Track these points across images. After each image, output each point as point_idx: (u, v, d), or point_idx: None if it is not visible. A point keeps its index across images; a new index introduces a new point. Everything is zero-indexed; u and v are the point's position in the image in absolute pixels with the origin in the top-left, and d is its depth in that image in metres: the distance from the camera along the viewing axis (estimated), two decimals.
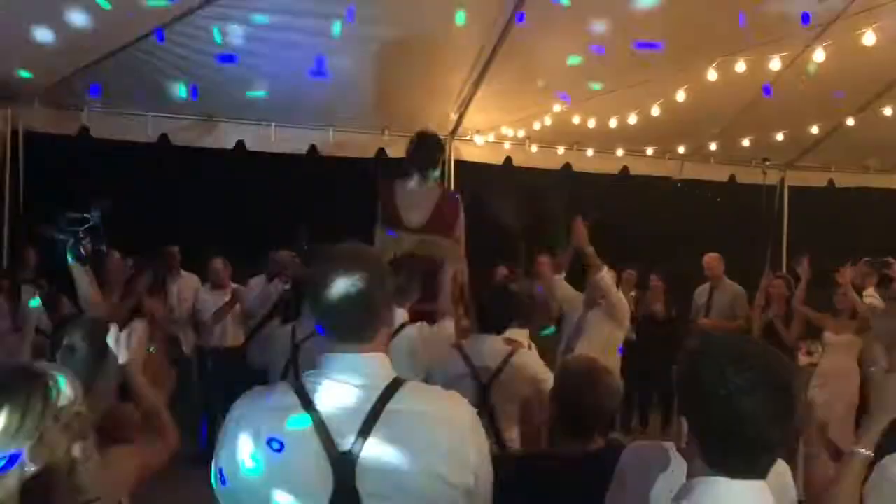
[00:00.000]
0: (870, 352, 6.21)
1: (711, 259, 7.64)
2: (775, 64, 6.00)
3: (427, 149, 4.48)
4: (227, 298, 6.91)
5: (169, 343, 6.50)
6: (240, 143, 7.06)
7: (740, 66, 5.97)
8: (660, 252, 8.88)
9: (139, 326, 2.48)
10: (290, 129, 7.20)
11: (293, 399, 1.72)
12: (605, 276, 5.17)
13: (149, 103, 6.61)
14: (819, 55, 5.76)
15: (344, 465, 1.66)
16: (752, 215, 8.59)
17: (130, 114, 6.70)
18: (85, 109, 6.51)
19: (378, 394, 1.71)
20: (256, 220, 8.35)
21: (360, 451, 1.66)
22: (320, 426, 1.68)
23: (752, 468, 1.46)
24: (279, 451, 1.68)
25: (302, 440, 1.67)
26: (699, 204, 9.62)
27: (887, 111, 7.31)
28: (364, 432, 1.67)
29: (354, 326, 1.76)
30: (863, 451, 1.95)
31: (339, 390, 1.72)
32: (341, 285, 1.73)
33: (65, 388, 1.75)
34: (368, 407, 1.69)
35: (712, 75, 6.10)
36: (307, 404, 1.70)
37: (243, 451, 1.71)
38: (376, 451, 1.67)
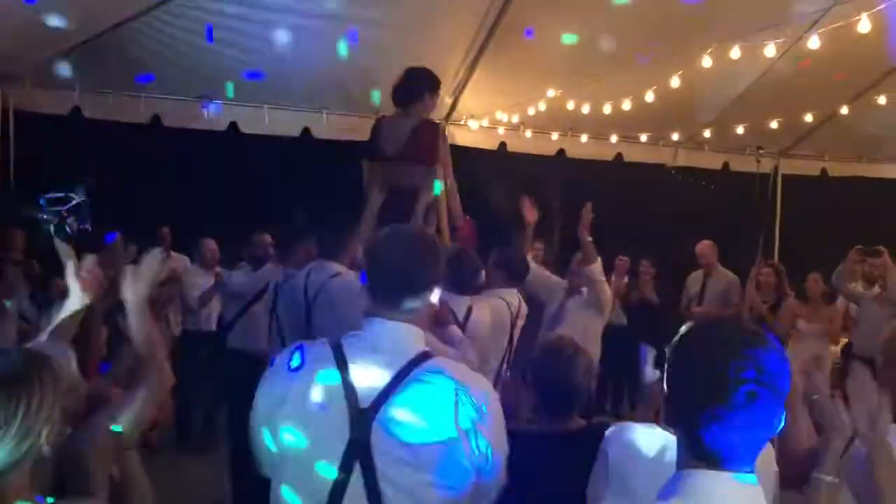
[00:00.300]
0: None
1: (705, 247, 7.66)
2: (770, 51, 5.98)
3: (405, 80, 4.53)
4: (213, 281, 6.90)
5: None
6: (232, 125, 7.02)
7: (735, 53, 5.95)
8: (652, 239, 8.89)
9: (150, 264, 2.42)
10: (283, 111, 7.17)
11: (330, 353, 1.88)
12: (598, 267, 5.20)
13: (141, 84, 6.56)
14: (814, 42, 5.74)
15: (361, 422, 1.79)
16: (745, 203, 8.60)
17: (123, 94, 6.67)
18: (77, 89, 6.46)
19: (405, 361, 1.84)
20: (249, 201, 8.32)
21: (377, 411, 1.79)
22: (347, 382, 1.82)
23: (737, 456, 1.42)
24: (307, 399, 1.84)
25: (328, 393, 1.82)
26: (693, 191, 9.61)
27: (881, 100, 7.31)
28: (385, 394, 1.80)
29: (399, 295, 1.90)
30: (827, 477, 1.93)
31: (371, 353, 1.86)
32: (398, 255, 1.92)
33: (66, 368, 1.78)
34: (393, 372, 1.82)
35: (707, 62, 6.08)
36: (340, 360, 1.85)
37: (278, 395, 1.88)
38: (393, 414, 1.79)
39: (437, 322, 3.66)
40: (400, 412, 1.79)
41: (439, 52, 6.64)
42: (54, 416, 1.68)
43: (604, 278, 5.35)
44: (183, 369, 3.07)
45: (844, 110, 7.72)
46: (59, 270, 2.63)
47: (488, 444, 1.82)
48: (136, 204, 7.48)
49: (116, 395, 2.33)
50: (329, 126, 7.34)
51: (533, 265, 5.29)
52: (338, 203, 4.74)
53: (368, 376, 1.83)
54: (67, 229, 3.41)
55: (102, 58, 6.02)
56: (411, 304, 1.90)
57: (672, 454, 1.79)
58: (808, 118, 7.98)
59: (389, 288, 1.91)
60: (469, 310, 4.02)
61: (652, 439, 2.23)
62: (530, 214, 5.11)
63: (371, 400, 1.80)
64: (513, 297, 4.50)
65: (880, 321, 5.70)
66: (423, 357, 1.87)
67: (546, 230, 6.15)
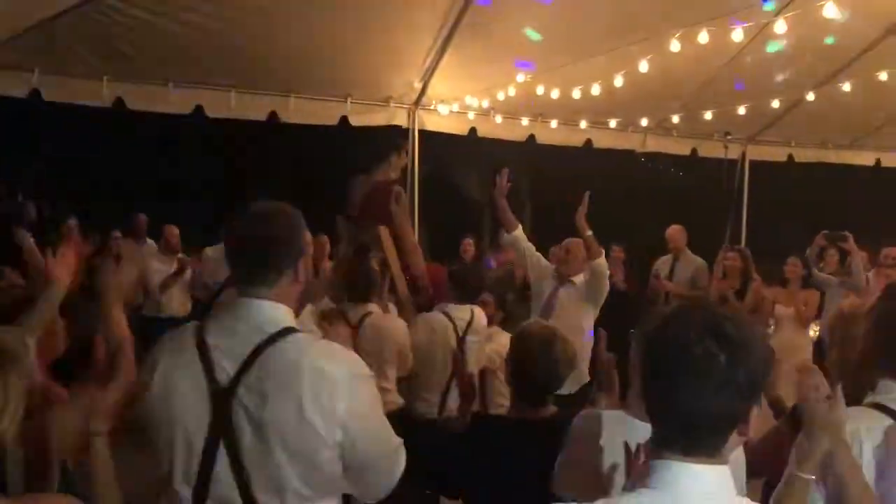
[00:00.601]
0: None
1: (675, 231, 7.72)
2: (738, 35, 6.00)
3: (376, 144, 4.95)
4: (175, 267, 6.82)
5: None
6: (198, 108, 6.90)
7: (703, 37, 5.96)
8: (622, 224, 8.93)
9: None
10: (249, 94, 7.06)
11: (191, 336, 1.89)
12: (604, 260, 5.26)
13: (104, 66, 6.42)
14: (781, 26, 5.77)
15: (221, 400, 1.80)
16: (713, 189, 8.66)
17: (84, 77, 6.51)
18: (36, 71, 6.28)
19: (264, 338, 1.83)
20: (214, 186, 8.22)
21: (236, 388, 1.80)
22: (207, 363, 1.83)
23: (697, 444, 1.40)
24: (171, 382, 1.87)
25: (188, 374, 1.84)
26: (661, 177, 9.67)
27: (846, 87, 7.38)
28: (242, 372, 1.80)
29: (259, 272, 1.89)
30: (805, 475, 1.90)
31: (232, 331, 1.86)
32: (245, 231, 1.91)
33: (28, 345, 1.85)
34: (250, 349, 1.82)
35: (675, 46, 6.08)
36: (200, 341, 1.86)
37: (156, 379, 1.90)
38: (251, 390, 1.79)
39: None
40: (257, 389, 1.79)
41: (409, 36, 6.60)
42: (17, 403, 1.70)
43: (608, 271, 5.40)
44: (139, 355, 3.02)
45: (810, 97, 7.79)
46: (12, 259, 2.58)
47: (343, 419, 1.81)
48: (100, 189, 7.35)
49: (60, 394, 2.31)
50: (297, 110, 7.25)
51: (527, 244, 5.34)
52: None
53: (228, 355, 1.84)
54: (25, 217, 3.32)
55: (62, 39, 5.88)
56: (273, 280, 1.89)
57: (637, 439, 1.78)
58: (775, 104, 8.04)
59: (249, 265, 1.90)
60: (363, 317, 4.36)
61: (617, 425, 2.22)
62: (501, 189, 5.09)
63: (230, 379, 1.81)
64: (463, 312, 4.56)
65: None
66: (284, 333, 1.85)
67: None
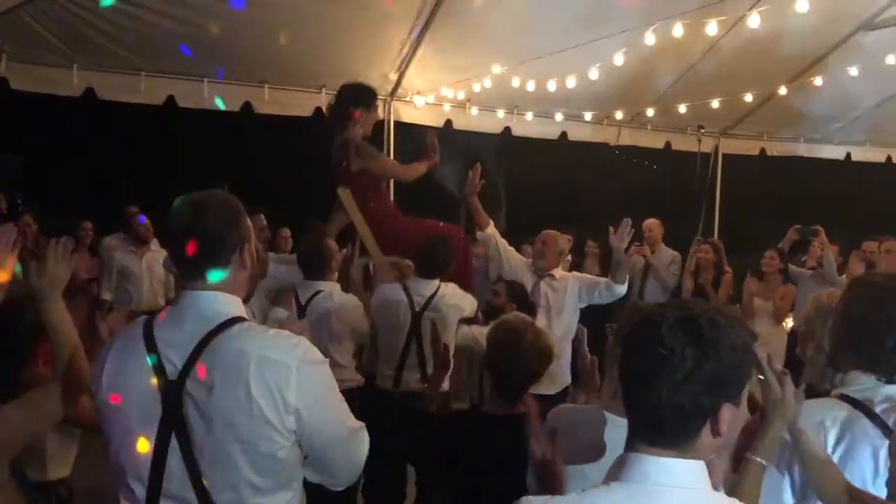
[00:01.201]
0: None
1: (653, 223, 7.75)
2: (712, 28, 6.04)
3: (335, 100, 4.71)
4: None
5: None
6: (170, 99, 6.80)
7: (678, 30, 5.98)
8: (597, 218, 8.97)
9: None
10: (222, 85, 6.98)
11: (139, 331, 1.87)
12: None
13: (74, 54, 6.30)
14: (754, 20, 5.81)
15: (171, 393, 1.78)
16: (686, 182, 8.72)
17: (54, 65, 6.39)
18: (3, 59, 6.15)
19: (209, 329, 1.81)
20: (188, 178, 8.13)
21: (185, 380, 1.78)
22: (156, 357, 1.80)
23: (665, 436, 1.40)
24: (120, 378, 1.85)
25: (137, 369, 1.82)
26: (636, 170, 9.72)
27: (818, 81, 7.46)
28: (189, 364, 1.78)
29: (200, 264, 1.86)
30: (759, 459, 1.91)
31: (178, 324, 1.84)
32: (181, 224, 1.87)
33: None
34: (197, 340, 1.80)
35: (650, 39, 6.10)
36: (148, 334, 1.84)
37: (105, 377, 1.88)
38: (200, 382, 1.77)
39: None
40: (204, 380, 1.78)
41: (384, 27, 6.56)
42: None
43: None
44: None
45: (783, 91, 7.86)
46: None
47: (296, 407, 1.79)
48: (69, 180, 7.24)
49: None
50: (271, 101, 7.18)
51: (500, 240, 5.27)
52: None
53: (176, 348, 1.81)
54: None
55: (31, 27, 5.76)
56: (215, 271, 1.87)
57: (611, 435, 1.78)
58: (748, 98, 8.11)
59: (191, 258, 1.87)
60: (312, 296, 4.36)
61: (591, 421, 2.23)
62: (472, 186, 5.03)
63: (178, 372, 1.79)
64: (426, 287, 4.49)
65: None
66: (229, 324, 1.83)
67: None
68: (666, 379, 1.37)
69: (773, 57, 7.14)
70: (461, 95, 7.85)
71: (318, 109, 7.29)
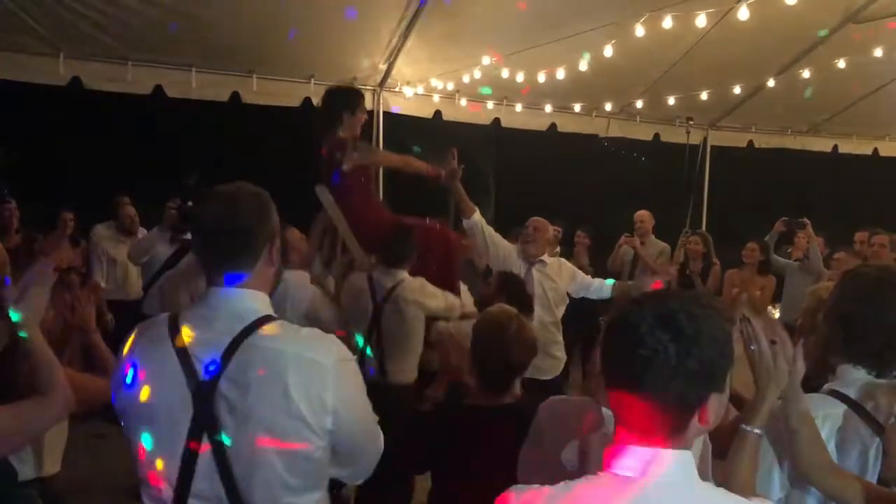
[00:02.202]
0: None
1: (644, 215, 7.80)
2: (701, 20, 6.05)
3: (322, 106, 4.60)
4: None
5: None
6: (158, 88, 6.75)
7: (667, 23, 5.99)
8: (586, 208, 9.00)
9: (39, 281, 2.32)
10: (210, 74, 6.93)
11: (165, 330, 1.82)
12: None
13: (60, 43, 6.24)
14: (743, 13, 5.82)
15: (202, 394, 1.74)
16: (675, 174, 8.74)
17: (40, 54, 6.33)
18: None
19: (241, 328, 1.77)
20: (175, 168, 8.09)
21: (217, 380, 1.74)
22: (184, 356, 1.76)
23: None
24: (147, 378, 1.79)
25: (165, 370, 1.77)
26: (625, 162, 9.73)
27: (806, 73, 7.49)
28: (223, 363, 1.74)
29: (227, 260, 1.82)
30: (754, 430, 1.90)
31: (208, 323, 1.80)
32: (215, 215, 1.81)
33: None
34: (229, 339, 1.75)
35: (640, 31, 6.11)
36: (175, 335, 1.79)
37: (129, 377, 1.83)
38: (233, 382, 1.73)
39: None
40: (240, 380, 1.74)
41: (374, 17, 6.52)
42: None
43: None
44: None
45: (771, 83, 7.89)
46: None
47: (334, 407, 1.78)
48: (55, 169, 7.19)
49: None
50: (260, 91, 7.14)
51: (486, 227, 5.21)
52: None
53: (206, 347, 1.77)
54: None
55: (16, 16, 5.70)
56: (248, 267, 1.83)
57: (603, 426, 1.79)
58: (737, 90, 8.13)
59: (224, 254, 1.83)
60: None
61: (583, 413, 2.23)
62: (453, 175, 4.86)
63: (209, 371, 1.75)
64: (388, 279, 4.41)
65: (803, 291, 5.87)
66: (260, 322, 1.80)
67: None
68: (650, 380, 1.38)
69: (761, 49, 7.16)
70: (450, 86, 7.84)
71: (307, 99, 7.25)
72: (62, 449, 2.97)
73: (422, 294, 4.41)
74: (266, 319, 1.81)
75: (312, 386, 1.75)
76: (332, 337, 1.86)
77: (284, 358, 1.75)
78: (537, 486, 1.46)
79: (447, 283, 4.64)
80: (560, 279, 5.28)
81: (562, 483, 1.44)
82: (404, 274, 4.43)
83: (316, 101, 7.24)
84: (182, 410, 1.74)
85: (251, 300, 1.83)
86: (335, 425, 1.78)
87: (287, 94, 7.29)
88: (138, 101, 6.89)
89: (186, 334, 1.79)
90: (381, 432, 1.99)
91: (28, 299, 2.22)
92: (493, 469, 2.16)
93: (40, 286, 2.26)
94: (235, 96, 7.05)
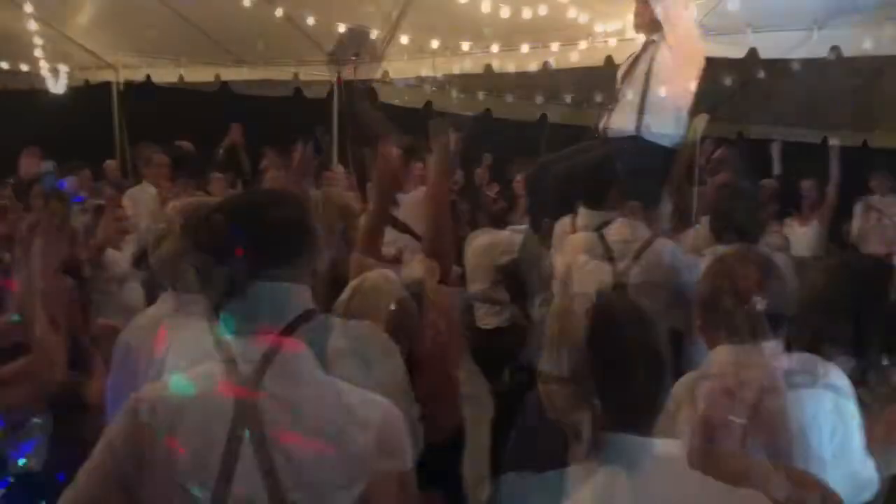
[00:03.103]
0: None
1: (634, 206, 7.78)
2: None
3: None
4: None
5: None
6: (146, 77, 6.72)
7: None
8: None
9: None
10: (200, 65, 6.90)
11: (202, 324, 1.79)
12: None
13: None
14: (734, 3, 5.81)
15: (246, 390, 1.69)
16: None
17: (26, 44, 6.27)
18: None
19: (287, 322, 1.74)
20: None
21: (263, 376, 1.69)
22: (227, 349, 1.72)
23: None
24: (186, 377, 1.74)
25: (206, 365, 1.73)
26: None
27: (795, 65, 7.47)
28: (267, 358, 1.70)
29: (278, 256, 1.79)
30: (738, 420, 1.92)
31: (250, 317, 1.75)
32: (257, 212, 1.80)
33: None
34: (276, 333, 1.72)
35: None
36: (213, 328, 1.77)
37: (167, 374, 1.80)
38: (279, 377, 1.69)
39: None
40: (287, 375, 1.71)
41: (365, 7, 6.50)
42: None
43: None
44: None
45: (761, 74, 7.87)
46: None
47: (380, 401, 1.76)
48: (44, 159, 7.13)
49: None
50: (249, 81, 7.11)
51: None
52: None
53: (249, 342, 1.75)
54: None
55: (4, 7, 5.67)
56: (292, 264, 1.82)
57: None
58: (727, 82, 8.11)
59: (262, 247, 1.80)
60: None
61: None
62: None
63: (254, 365, 1.71)
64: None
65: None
66: (307, 316, 1.78)
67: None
68: (637, 378, 1.39)
69: (750, 39, 7.14)
70: (441, 76, 7.81)
71: (297, 89, 7.24)
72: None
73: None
74: (311, 313, 1.79)
75: (363, 378, 1.76)
76: (375, 327, 1.88)
77: (333, 351, 1.76)
78: (529, 473, 1.47)
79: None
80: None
81: (551, 472, 1.46)
82: None
83: (305, 91, 7.23)
84: (223, 408, 1.69)
85: (295, 294, 1.80)
86: (384, 419, 1.75)
87: (276, 81, 7.25)
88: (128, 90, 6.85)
89: (227, 329, 1.76)
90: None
91: None
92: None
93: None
94: (224, 85, 7.02)
